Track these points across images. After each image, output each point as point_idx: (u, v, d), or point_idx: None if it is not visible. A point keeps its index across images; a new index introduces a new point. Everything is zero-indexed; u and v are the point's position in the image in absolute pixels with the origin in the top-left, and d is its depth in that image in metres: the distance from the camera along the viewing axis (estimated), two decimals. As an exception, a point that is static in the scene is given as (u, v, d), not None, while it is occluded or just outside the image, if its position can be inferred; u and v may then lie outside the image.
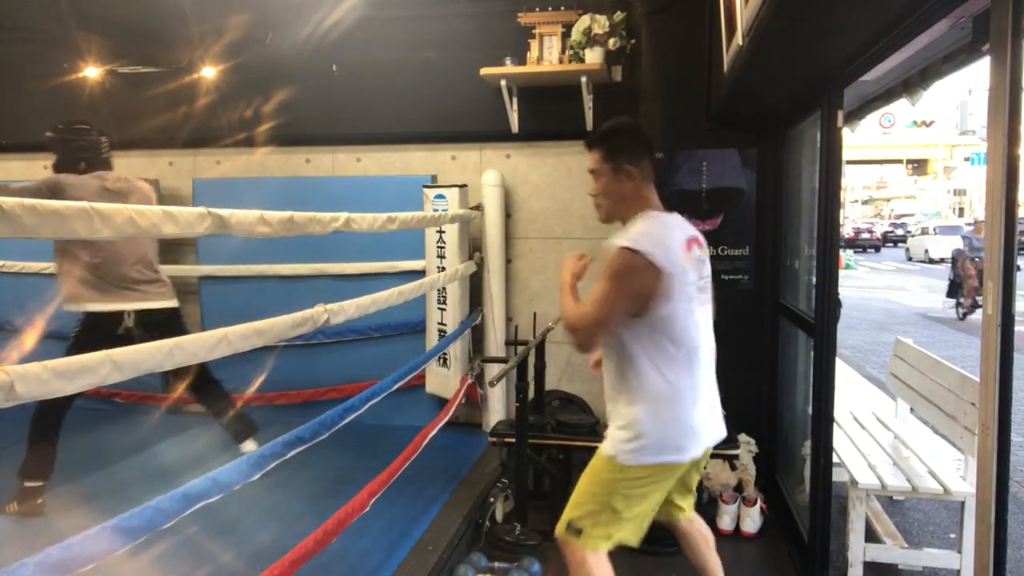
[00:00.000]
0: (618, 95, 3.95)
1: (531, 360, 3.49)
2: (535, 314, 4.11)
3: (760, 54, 2.17)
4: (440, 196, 4.00)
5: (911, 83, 3.07)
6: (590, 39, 3.81)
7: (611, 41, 3.82)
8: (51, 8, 4.00)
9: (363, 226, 2.47)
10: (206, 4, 3.88)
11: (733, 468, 3.45)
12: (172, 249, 4.67)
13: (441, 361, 4.09)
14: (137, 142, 4.46)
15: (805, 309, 3.07)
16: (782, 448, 3.59)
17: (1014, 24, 1.45)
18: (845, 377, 4.76)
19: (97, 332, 3.04)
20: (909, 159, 38.77)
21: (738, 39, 2.24)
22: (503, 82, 3.94)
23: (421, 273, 4.06)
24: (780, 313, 3.54)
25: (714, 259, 2.86)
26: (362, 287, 2.78)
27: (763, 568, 3.06)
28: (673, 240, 1.99)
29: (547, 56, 3.94)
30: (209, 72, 4.38)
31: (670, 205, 2.13)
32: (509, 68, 3.89)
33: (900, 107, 14.57)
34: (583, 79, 3.83)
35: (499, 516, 3.24)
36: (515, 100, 4.07)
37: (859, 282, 17.30)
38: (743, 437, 3.43)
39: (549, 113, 4.07)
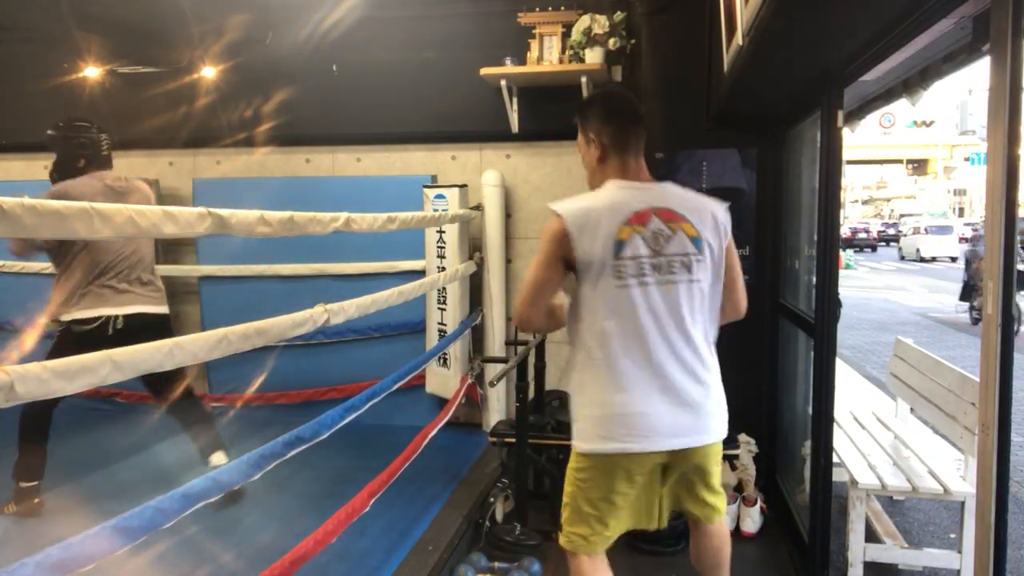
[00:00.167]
0: (618, 95, 3.96)
1: (531, 360, 3.49)
2: (535, 314, 4.10)
3: (760, 54, 2.17)
4: (440, 196, 4.00)
5: (911, 83, 3.07)
6: (590, 39, 3.81)
7: (611, 41, 3.81)
8: (51, 8, 4.00)
9: (363, 226, 2.47)
10: (206, 4, 3.87)
11: (733, 468, 3.45)
12: (172, 249, 4.68)
13: (441, 361, 4.09)
14: (137, 142, 4.45)
15: (805, 309, 3.07)
16: (782, 448, 3.59)
17: (1014, 24, 1.45)
18: (845, 377, 4.76)
19: (82, 339, 2.91)
20: (909, 159, 38.85)
21: (738, 39, 2.24)
22: (503, 82, 3.94)
23: (421, 273, 4.06)
24: (780, 313, 3.54)
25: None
26: (362, 287, 2.77)
27: (763, 568, 3.06)
28: (612, 209, 1.83)
29: (547, 56, 3.94)
30: (209, 72, 4.38)
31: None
32: (509, 68, 3.89)
33: (900, 107, 14.56)
34: (583, 79, 3.83)
35: (499, 516, 3.24)
36: (515, 100, 4.07)
37: (859, 282, 17.32)
38: (743, 437, 3.43)
39: (549, 113, 4.06)
